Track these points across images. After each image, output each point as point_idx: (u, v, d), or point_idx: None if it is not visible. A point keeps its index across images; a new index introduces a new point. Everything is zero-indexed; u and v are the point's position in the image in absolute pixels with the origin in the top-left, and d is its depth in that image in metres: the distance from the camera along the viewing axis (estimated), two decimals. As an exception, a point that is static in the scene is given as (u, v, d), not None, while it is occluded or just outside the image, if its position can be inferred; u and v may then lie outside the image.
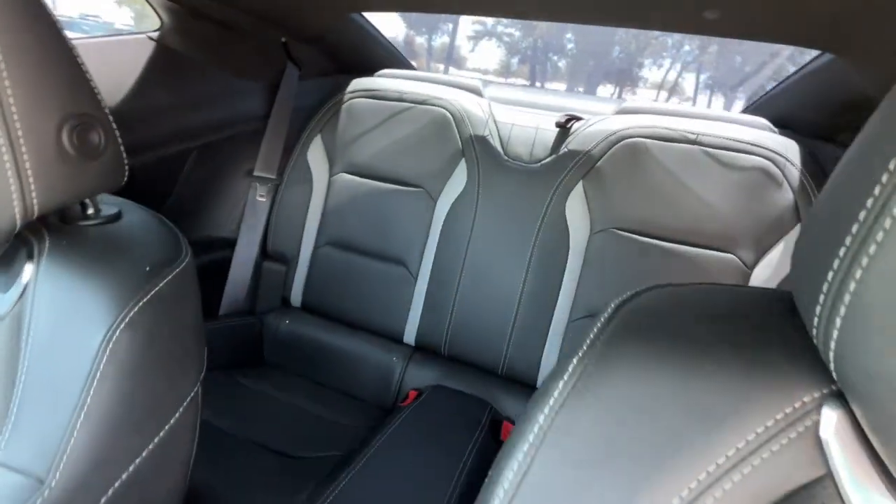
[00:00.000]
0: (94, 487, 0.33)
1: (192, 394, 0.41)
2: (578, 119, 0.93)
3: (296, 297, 1.09)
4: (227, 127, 0.99)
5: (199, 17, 0.86)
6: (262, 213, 1.07)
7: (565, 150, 0.91)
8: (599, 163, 0.88)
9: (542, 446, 0.25)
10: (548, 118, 0.95)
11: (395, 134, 1.02)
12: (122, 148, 0.42)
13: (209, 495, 0.60)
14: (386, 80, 1.08)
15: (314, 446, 0.78)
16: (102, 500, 0.33)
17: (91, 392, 0.34)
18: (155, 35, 0.87)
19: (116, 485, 0.34)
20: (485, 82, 1.12)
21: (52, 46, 0.37)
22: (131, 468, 0.35)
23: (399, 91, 1.03)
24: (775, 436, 0.22)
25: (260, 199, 1.06)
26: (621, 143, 0.87)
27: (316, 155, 1.08)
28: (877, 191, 0.18)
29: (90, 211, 0.44)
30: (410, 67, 1.31)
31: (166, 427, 0.38)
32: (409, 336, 1.00)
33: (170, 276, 0.40)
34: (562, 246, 0.91)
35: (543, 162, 0.92)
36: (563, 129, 0.92)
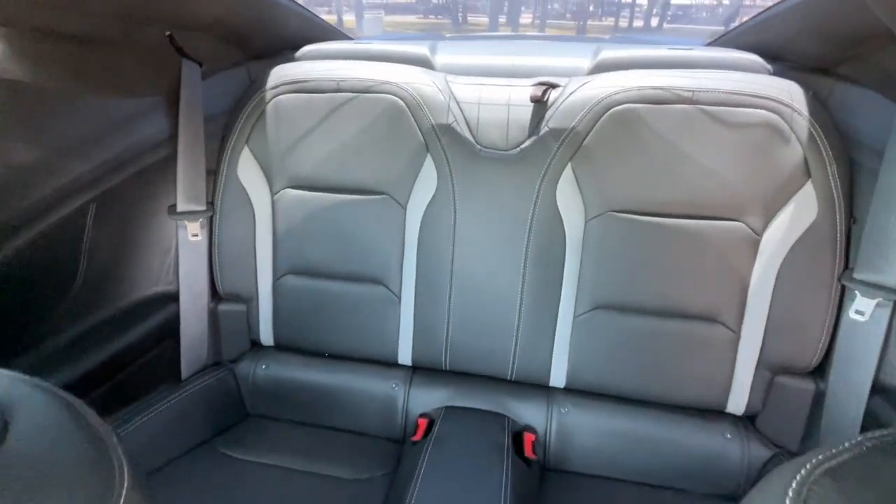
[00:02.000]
0: None
1: None
2: (555, 86, 0.79)
3: (265, 336, 0.96)
4: (128, 163, 0.78)
5: (43, 36, 0.62)
6: (202, 254, 0.89)
7: (546, 128, 0.78)
8: (587, 140, 0.77)
9: None
10: (519, 91, 0.80)
11: (340, 133, 0.84)
12: None
13: None
14: (312, 65, 0.87)
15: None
16: None
17: None
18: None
19: None
20: (432, 46, 0.93)
21: None
22: None
23: (333, 78, 0.84)
24: None
25: (193, 238, 0.88)
26: (609, 112, 0.75)
27: (248, 173, 0.89)
28: None
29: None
30: (337, 36, 1.08)
31: None
32: (405, 357, 0.91)
33: None
34: (557, 238, 0.81)
35: (523, 146, 0.79)
36: (540, 102, 0.79)
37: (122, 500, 0.29)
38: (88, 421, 0.33)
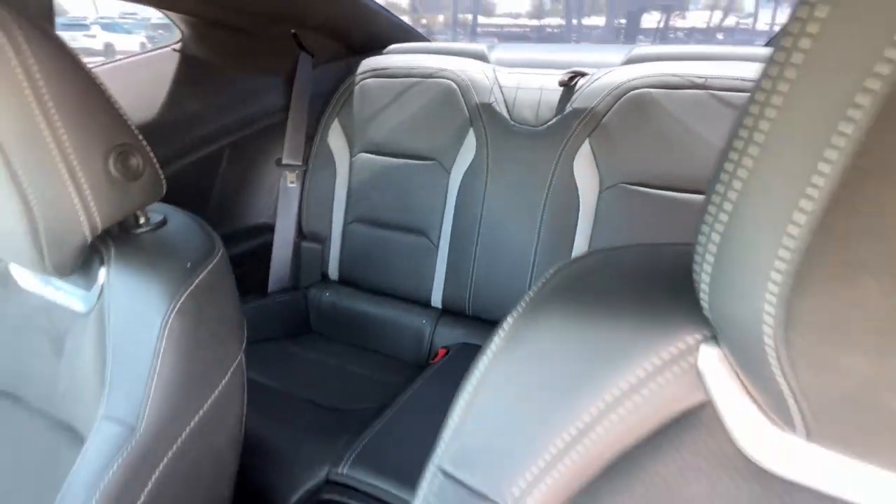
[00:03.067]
0: (171, 433, 0.44)
1: (236, 362, 0.51)
2: (583, 75, 0.93)
3: (333, 271, 1.19)
4: (254, 123, 1.08)
5: (213, 25, 0.93)
6: (295, 198, 1.16)
7: (570, 108, 0.91)
8: (605, 118, 0.89)
9: (482, 385, 0.31)
10: (553, 78, 0.95)
11: (407, 110, 1.06)
12: (157, 167, 0.51)
13: (262, 443, 0.73)
14: (394, 57, 1.11)
15: (355, 400, 0.90)
16: (178, 443, 0.44)
17: (158, 363, 0.44)
18: (178, 46, 0.95)
19: (186, 431, 0.45)
20: (490, 46, 1.12)
21: (90, 91, 0.45)
22: (196, 419, 0.45)
23: (407, 67, 1.06)
24: (661, 371, 0.27)
25: (291, 185, 1.15)
26: (627, 95, 0.87)
27: (336, 138, 1.14)
28: (743, 134, 0.18)
29: (142, 220, 0.53)
30: (420, 39, 1.32)
31: (218, 388, 0.48)
32: (436, 300, 1.08)
33: (206, 270, 0.49)
34: (572, 205, 0.93)
35: (549, 123, 0.94)
36: (568, 87, 0.93)
37: (217, 259, 0.51)
38: (204, 226, 0.56)
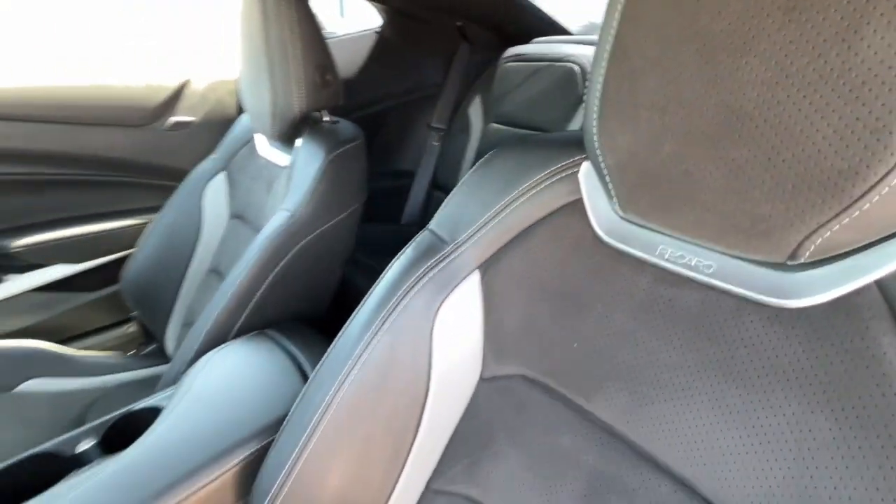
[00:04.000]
0: (310, 226, 0.75)
1: (354, 207, 0.80)
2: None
3: None
4: (415, 92, 1.41)
5: (403, 15, 1.28)
6: (434, 154, 1.47)
7: None
8: None
9: (466, 184, 0.51)
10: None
11: (533, 88, 1.26)
12: (341, 83, 0.83)
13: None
14: (535, 46, 1.32)
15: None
16: (311, 235, 0.74)
17: (315, 187, 0.75)
18: (378, 30, 1.33)
19: (317, 232, 0.75)
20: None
21: (315, 34, 0.78)
22: (325, 226, 0.76)
23: (541, 53, 1.26)
24: (548, 178, 0.44)
25: (434, 144, 1.46)
26: None
27: (475, 110, 1.41)
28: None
29: (325, 117, 0.86)
30: (564, 32, 1.50)
31: (341, 216, 0.78)
32: None
33: (349, 146, 0.79)
34: None
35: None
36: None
37: (355, 144, 0.81)
38: (357, 129, 0.87)
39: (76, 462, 0.52)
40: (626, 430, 0.37)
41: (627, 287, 0.39)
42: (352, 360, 0.44)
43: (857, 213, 0.25)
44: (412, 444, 0.46)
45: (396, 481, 0.46)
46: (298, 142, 0.84)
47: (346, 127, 0.86)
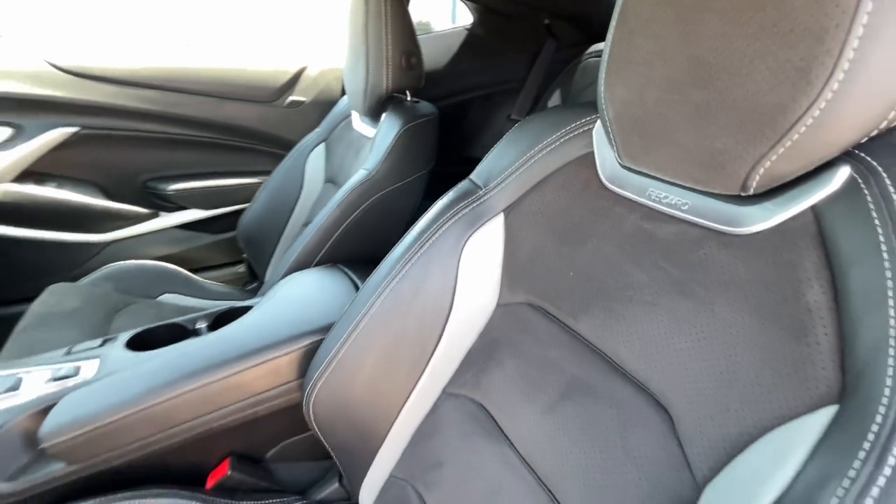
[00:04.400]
0: (386, 182, 0.88)
1: (423, 172, 0.92)
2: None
3: None
4: (498, 85, 1.51)
5: (491, 12, 1.39)
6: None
7: None
8: None
9: (501, 144, 0.60)
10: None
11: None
12: (423, 68, 0.95)
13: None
14: None
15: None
16: (383, 192, 0.88)
17: (390, 151, 0.88)
18: (468, 27, 1.45)
19: (389, 189, 0.88)
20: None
21: (406, 25, 0.92)
22: (395, 185, 0.89)
23: None
24: (567, 134, 0.51)
25: (511, 134, 1.55)
26: None
27: (554, 103, 1.47)
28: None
29: (408, 98, 1.00)
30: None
31: (409, 179, 0.90)
32: None
33: (423, 120, 0.91)
34: None
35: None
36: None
37: (430, 118, 0.93)
38: (434, 109, 0.99)
39: (194, 333, 0.70)
40: (600, 344, 0.44)
41: (618, 223, 0.45)
42: (391, 276, 0.55)
43: (788, 143, 0.30)
44: (433, 352, 0.56)
45: (418, 380, 0.57)
46: (383, 116, 0.98)
47: (423, 106, 0.98)
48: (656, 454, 0.37)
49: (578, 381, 0.44)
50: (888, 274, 0.27)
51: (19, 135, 1.12)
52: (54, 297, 0.93)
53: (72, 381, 0.57)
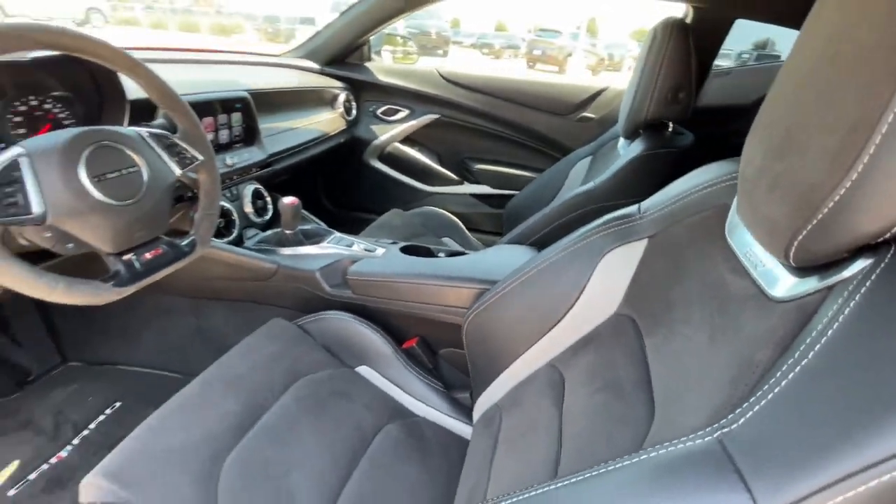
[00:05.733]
0: None
1: None
2: None
3: None
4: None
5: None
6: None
7: None
8: None
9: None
10: None
11: None
12: (692, 102, 1.00)
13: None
14: None
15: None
16: None
17: (614, 175, 1.00)
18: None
19: None
20: None
21: (680, 62, 0.98)
22: None
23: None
24: (718, 182, 0.54)
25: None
26: None
27: None
28: None
29: (669, 129, 1.06)
30: None
31: None
32: None
33: (657, 151, 0.97)
34: None
35: None
36: None
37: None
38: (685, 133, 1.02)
39: (436, 256, 1.05)
40: (647, 350, 0.51)
41: (711, 268, 0.49)
42: (545, 259, 0.72)
43: (815, 220, 0.33)
44: (551, 328, 0.71)
45: (536, 342, 0.73)
46: (636, 140, 1.08)
47: (680, 138, 1.03)
48: (634, 447, 0.44)
49: (620, 378, 0.53)
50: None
51: (411, 115, 1.77)
52: (389, 216, 1.50)
53: (370, 254, 1.01)
